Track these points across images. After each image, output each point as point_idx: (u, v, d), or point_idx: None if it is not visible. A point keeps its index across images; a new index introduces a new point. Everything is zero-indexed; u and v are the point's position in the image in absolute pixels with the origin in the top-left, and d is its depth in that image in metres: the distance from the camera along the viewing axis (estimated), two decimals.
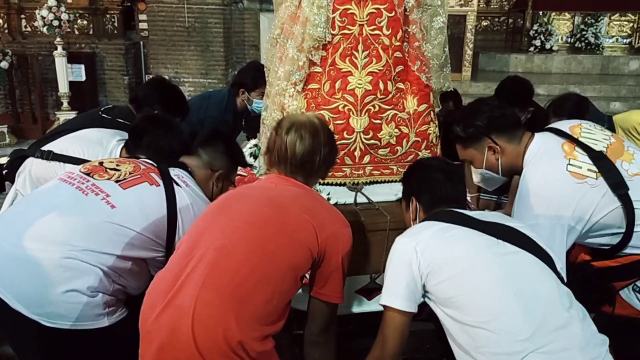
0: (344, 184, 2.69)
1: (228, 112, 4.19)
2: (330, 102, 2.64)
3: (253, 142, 3.18)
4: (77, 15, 8.94)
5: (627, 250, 2.27)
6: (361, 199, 2.68)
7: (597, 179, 2.21)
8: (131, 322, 1.92)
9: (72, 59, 8.80)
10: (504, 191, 3.68)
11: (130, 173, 2.18)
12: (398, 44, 2.67)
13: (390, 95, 2.67)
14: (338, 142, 2.64)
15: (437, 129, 2.81)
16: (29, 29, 9.29)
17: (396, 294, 1.87)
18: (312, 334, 2.05)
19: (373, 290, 2.63)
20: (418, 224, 2.02)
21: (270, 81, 2.77)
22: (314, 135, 2.11)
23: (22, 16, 9.25)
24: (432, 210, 2.05)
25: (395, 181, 2.74)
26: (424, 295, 1.89)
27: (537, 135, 2.38)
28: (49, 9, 8.33)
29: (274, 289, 1.83)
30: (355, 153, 2.68)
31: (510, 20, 11.25)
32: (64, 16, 8.31)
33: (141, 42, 9.74)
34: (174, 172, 2.28)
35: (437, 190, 2.09)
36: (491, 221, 1.93)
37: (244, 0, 9.46)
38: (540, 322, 1.69)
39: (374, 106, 2.65)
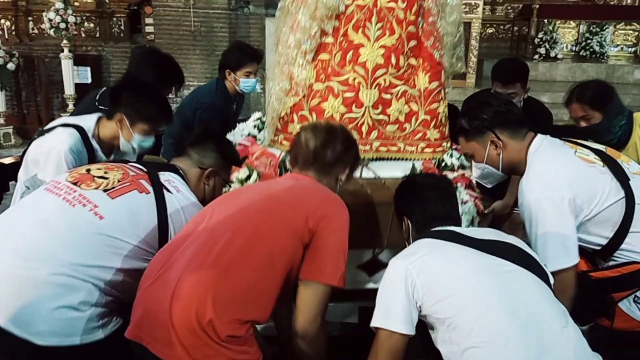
0: None
1: (218, 97, 4.09)
2: (341, 74, 2.63)
3: (257, 114, 3.15)
4: (84, 18, 9.01)
5: (625, 259, 2.25)
6: (367, 176, 2.65)
7: (603, 167, 2.25)
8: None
9: (79, 61, 8.85)
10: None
11: (118, 181, 2.10)
12: (412, 17, 2.64)
13: (401, 71, 2.65)
14: (346, 115, 2.65)
15: (446, 108, 2.79)
16: (36, 31, 9.34)
17: (391, 315, 1.82)
18: (299, 324, 1.92)
19: (374, 266, 2.60)
20: (412, 245, 2.01)
21: (280, 51, 2.75)
22: (328, 132, 2.22)
23: (30, 18, 9.30)
24: (425, 229, 2.04)
25: (402, 159, 2.71)
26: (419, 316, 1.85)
27: (539, 135, 2.38)
28: (56, 11, 8.41)
29: (257, 275, 1.86)
30: (363, 128, 2.66)
31: (516, 28, 11.26)
32: (71, 19, 8.39)
33: (147, 46, 9.76)
34: (164, 177, 2.22)
35: (427, 209, 2.09)
36: (486, 238, 1.91)
37: (250, 5, 9.49)
38: (536, 343, 1.68)
39: (384, 80, 2.63)
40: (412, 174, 2.61)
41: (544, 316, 1.75)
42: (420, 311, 1.82)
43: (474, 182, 2.71)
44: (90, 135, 2.76)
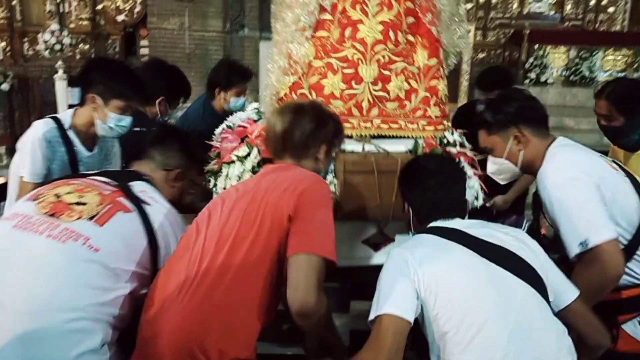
0: (351, 136, 2.64)
1: (207, 117, 3.88)
2: (339, 50, 2.63)
3: (255, 104, 3.15)
4: (79, 39, 9.08)
5: (626, 282, 2.21)
6: (370, 149, 2.64)
7: (625, 177, 2.25)
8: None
9: (73, 82, 8.86)
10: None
11: (98, 204, 1.93)
12: None
13: (400, 47, 2.66)
14: (346, 92, 2.64)
15: (446, 87, 2.79)
16: (31, 52, 9.38)
17: (396, 302, 1.74)
18: (293, 301, 1.73)
19: (380, 241, 2.57)
20: (415, 239, 1.96)
21: (278, 29, 2.75)
22: (295, 112, 2.12)
23: (25, 39, 9.35)
24: (427, 220, 2.01)
25: (404, 137, 2.70)
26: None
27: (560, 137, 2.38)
28: (52, 33, 8.47)
29: (259, 289, 1.87)
30: (363, 104, 2.65)
31: (507, 53, 11.42)
32: (66, 40, 8.45)
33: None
34: (137, 188, 2.10)
35: (429, 198, 2.02)
36: (491, 242, 1.85)
37: (245, 28, 9.59)
38: None
39: (383, 56, 2.64)
40: (417, 155, 2.54)
41: (542, 339, 1.74)
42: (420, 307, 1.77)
43: (476, 160, 2.71)
44: (67, 127, 2.74)
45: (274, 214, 1.86)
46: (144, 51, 9.64)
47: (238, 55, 9.60)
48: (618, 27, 11.51)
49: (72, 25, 9.12)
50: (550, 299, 1.86)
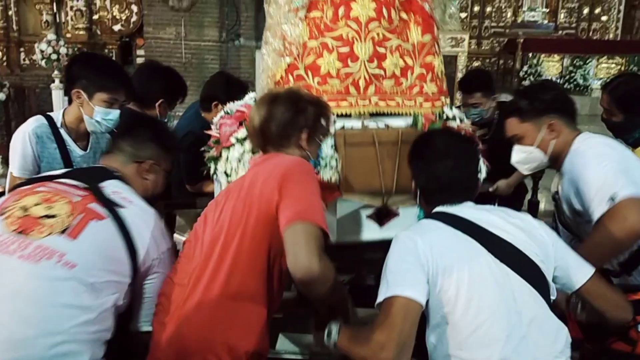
0: (349, 115, 2.65)
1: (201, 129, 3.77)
2: (334, 29, 2.64)
3: (252, 94, 3.16)
4: (76, 49, 9.10)
5: None
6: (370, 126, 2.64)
7: None
8: None
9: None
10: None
11: (69, 215, 1.80)
12: None
13: (393, 24, 2.67)
14: (342, 70, 2.65)
15: (442, 64, 2.81)
16: (27, 62, 9.41)
17: (406, 284, 1.69)
18: (295, 268, 1.67)
19: (385, 215, 2.56)
20: (422, 224, 1.90)
21: (271, 12, 2.76)
22: (270, 103, 2.10)
23: (21, 49, 9.39)
24: (434, 202, 1.97)
25: (402, 114, 2.71)
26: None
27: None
28: (48, 42, 8.51)
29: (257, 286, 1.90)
30: (360, 82, 2.65)
31: (501, 62, 11.52)
32: (63, 50, 8.48)
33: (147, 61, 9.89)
34: (109, 189, 1.95)
35: (437, 180, 1.95)
36: (497, 235, 1.81)
37: (241, 37, 9.65)
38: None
39: (378, 34, 2.65)
40: (429, 131, 2.48)
41: (542, 341, 1.73)
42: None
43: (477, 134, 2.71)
44: (59, 125, 2.72)
45: (259, 205, 1.85)
46: (140, 60, 9.67)
47: (234, 64, 9.67)
48: (611, 36, 11.63)
49: (68, 35, 9.18)
50: (562, 282, 1.87)
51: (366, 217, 2.56)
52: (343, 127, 2.54)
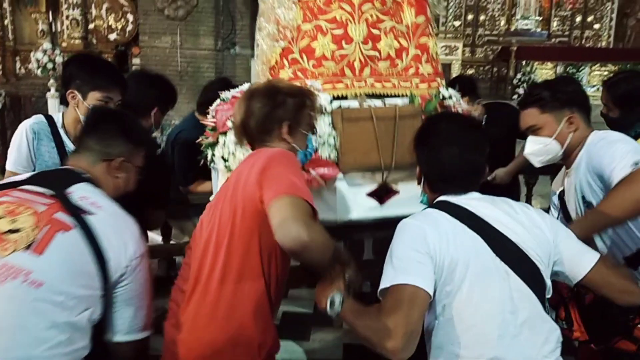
0: (346, 97, 2.66)
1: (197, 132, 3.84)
2: (327, 12, 2.67)
3: (248, 85, 3.18)
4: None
5: None
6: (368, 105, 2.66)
7: None
8: None
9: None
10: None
11: (34, 228, 1.70)
12: None
13: (386, 6, 2.71)
14: (337, 52, 2.68)
15: (436, 45, 2.83)
16: (23, 70, 9.43)
17: (415, 273, 1.68)
18: (283, 239, 1.65)
19: (385, 193, 2.57)
20: (429, 214, 1.86)
21: None
22: (248, 99, 2.11)
23: (17, 58, 9.40)
24: (438, 190, 1.95)
25: (398, 95, 2.73)
26: None
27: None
28: (44, 51, 8.54)
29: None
30: (355, 64, 2.68)
31: (495, 69, 11.58)
32: (58, 59, 8.52)
33: (135, 70, 9.90)
34: (77, 194, 1.84)
35: (441, 168, 1.92)
36: (500, 232, 1.80)
37: (236, 46, 9.70)
38: None
39: (371, 15, 2.68)
40: (438, 115, 2.47)
41: (532, 346, 1.75)
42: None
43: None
44: (59, 125, 2.71)
45: (244, 203, 1.86)
46: (136, 69, 9.69)
47: (230, 73, 9.69)
48: (604, 44, 11.72)
49: (64, 44, 9.21)
50: (565, 275, 1.87)
51: (366, 195, 2.56)
52: (340, 106, 2.56)
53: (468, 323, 1.71)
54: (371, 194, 2.57)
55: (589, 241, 2.06)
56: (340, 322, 1.77)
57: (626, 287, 1.88)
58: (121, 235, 1.82)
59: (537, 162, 2.47)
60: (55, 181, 1.88)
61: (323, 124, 2.44)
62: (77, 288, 1.69)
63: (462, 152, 1.88)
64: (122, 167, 2.04)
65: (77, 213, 1.77)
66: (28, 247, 1.67)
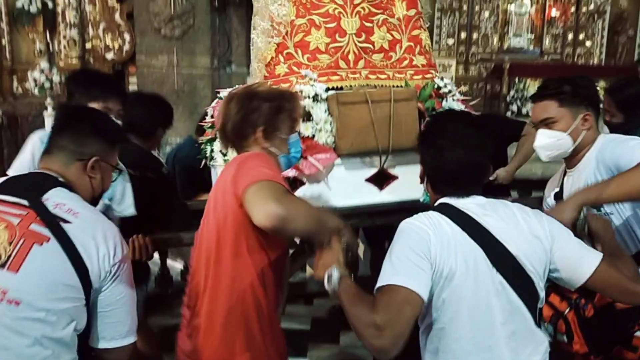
0: (341, 88, 2.71)
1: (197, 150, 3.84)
2: (320, 7, 2.75)
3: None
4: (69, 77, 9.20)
5: None
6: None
7: None
8: None
9: None
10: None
11: (9, 242, 1.67)
12: None
13: (378, 0, 2.78)
14: (331, 45, 2.74)
15: (428, 38, 2.90)
16: (20, 90, 9.46)
17: (411, 276, 1.71)
18: (263, 222, 1.75)
19: (383, 178, 2.59)
20: (432, 217, 1.86)
21: None
22: (226, 105, 2.17)
23: (14, 77, 9.44)
24: (441, 192, 1.95)
25: (393, 86, 2.78)
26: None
27: None
28: (41, 71, 8.60)
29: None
30: (350, 57, 2.75)
31: (488, 86, 11.65)
32: (56, 78, 8.58)
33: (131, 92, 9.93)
34: (52, 201, 1.79)
35: (445, 171, 1.92)
36: (500, 242, 1.81)
37: (232, 64, 9.77)
38: None
39: (363, 8, 2.76)
40: (443, 114, 2.46)
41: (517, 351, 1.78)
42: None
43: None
44: None
45: (225, 207, 1.93)
46: (133, 88, 9.74)
47: None
48: (595, 61, 11.80)
49: (61, 64, 9.26)
50: (565, 281, 1.89)
51: (365, 181, 2.60)
52: (335, 92, 2.61)
53: (460, 332, 1.75)
54: (370, 180, 2.60)
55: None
56: (335, 298, 1.79)
57: (626, 289, 1.87)
58: (100, 241, 1.79)
59: (545, 156, 2.47)
60: (29, 188, 1.82)
61: (319, 111, 2.49)
62: (58, 302, 1.68)
63: (468, 154, 1.89)
64: (97, 166, 1.99)
65: (53, 223, 1.74)
66: (3, 265, 1.65)
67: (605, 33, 11.83)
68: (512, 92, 11.13)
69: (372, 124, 2.51)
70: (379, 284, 1.73)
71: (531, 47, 11.76)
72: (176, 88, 9.31)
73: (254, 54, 2.94)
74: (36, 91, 8.68)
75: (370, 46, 2.77)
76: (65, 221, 1.76)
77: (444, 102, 2.78)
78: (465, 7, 11.37)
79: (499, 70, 11.23)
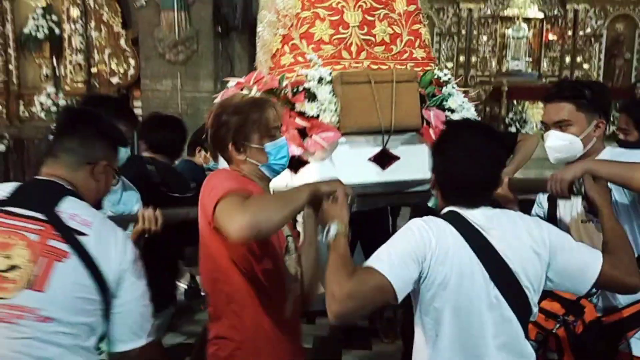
0: None
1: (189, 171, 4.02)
2: (324, 1, 2.85)
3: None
4: (75, 101, 9.34)
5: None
6: None
7: None
8: None
9: None
10: None
11: (30, 261, 1.67)
12: None
13: None
14: (335, 36, 2.85)
15: (427, 32, 3.01)
16: (26, 114, 9.58)
17: (397, 271, 1.75)
18: (236, 236, 1.79)
19: (386, 158, 2.65)
20: (439, 224, 1.87)
21: None
22: (207, 119, 2.23)
23: (21, 102, 9.57)
24: (450, 201, 1.95)
25: None
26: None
27: None
28: (48, 95, 8.74)
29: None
30: (352, 48, 2.86)
31: (488, 109, 11.79)
32: (62, 102, 8.71)
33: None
34: (66, 213, 1.77)
35: (462, 182, 1.90)
36: (502, 260, 1.83)
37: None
38: None
39: (365, 3, 2.88)
40: (460, 122, 2.44)
41: None
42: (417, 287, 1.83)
43: None
44: None
45: (204, 234, 2.04)
46: (137, 111, 9.86)
47: None
48: None
49: (67, 88, 9.40)
50: (567, 288, 1.97)
51: (367, 160, 2.67)
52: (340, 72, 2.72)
53: (450, 340, 1.80)
54: (373, 159, 2.66)
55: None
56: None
57: (626, 283, 1.92)
58: (113, 250, 1.80)
59: (554, 158, 2.44)
60: (41, 199, 1.79)
61: (324, 92, 2.59)
62: (83, 317, 1.72)
63: (481, 166, 1.88)
64: (103, 169, 1.96)
65: (71, 237, 1.73)
66: (29, 285, 1.66)
67: (602, 56, 12.04)
68: (510, 115, 11.27)
69: (374, 103, 2.60)
70: (369, 262, 1.78)
71: (529, 70, 11.95)
72: (180, 111, 9.44)
73: (260, 46, 3.04)
74: (42, 115, 8.79)
75: (372, 39, 2.89)
76: (81, 233, 1.75)
77: (443, 89, 2.87)
78: (463, 32, 11.61)
79: (497, 92, 11.39)
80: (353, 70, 2.78)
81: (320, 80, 2.59)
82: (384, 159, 2.68)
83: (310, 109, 2.56)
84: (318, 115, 2.57)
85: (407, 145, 2.70)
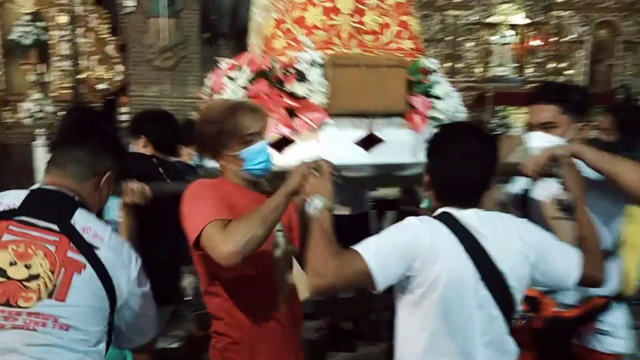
0: None
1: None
2: None
3: None
4: (61, 107, 9.32)
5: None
6: None
7: None
8: None
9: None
10: None
11: (51, 271, 1.70)
12: None
13: None
14: (327, 22, 2.88)
15: (417, 25, 3.06)
16: (13, 120, 9.55)
17: (382, 262, 1.77)
18: (225, 260, 1.85)
19: (371, 141, 2.68)
20: (435, 225, 1.87)
21: None
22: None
23: (7, 108, 9.54)
24: (443, 201, 1.95)
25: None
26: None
27: None
28: (34, 101, 8.71)
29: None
30: (343, 34, 2.89)
31: (473, 114, 11.87)
32: (49, 108, 8.68)
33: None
34: (80, 225, 1.80)
35: (452, 182, 1.91)
36: (492, 262, 1.85)
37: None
38: None
39: None
40: (454, 124, 2.45)
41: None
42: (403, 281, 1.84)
43: None
44: None
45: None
46: (125, 117, 9.88)
47: None
48: None
49: (54, 94, 9.40)
50: (553, 286, 2.05)
51: (353, 143, 2.70)
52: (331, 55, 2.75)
53: (438, 338, 1.82)
54: (358, 143, 2.70)
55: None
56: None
57: (597, 279, 1.98)
58: (121, 262, 1.86)
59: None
60: (55, 211, 1.80)
61: (315, 74, 2.62)
62: (97, 326, 1.79)
63: (475, 168, 1.89)
64: (107, 180, 1.96)
65: (87, 250, 1.77)
66: (51, 294, 1.69)
67: (586, 61, 12.21)
68: (494, 120, 11.36)
69: (363, 87, 2.65)
70: (356, 246, 1.80)
71: (514, 76, 12.08)
72: None
73: (253, 30, 3.08)
74: (29, 121, 8.75)
75: (363, 27, 2.92)
76: (95, 247, 1.79)
77: (430, 77, 2.90)
78: (449, 38, 11.73)
79: (482, 98, 11.47)
80: (345, 54, 2.81)
81: (313, 63, 2.62)
82: (369, 142, 2.71)
83: (299, 89, 2.59)
84: (307, 97, 2.61)
85: (393, 129, 2.74)
